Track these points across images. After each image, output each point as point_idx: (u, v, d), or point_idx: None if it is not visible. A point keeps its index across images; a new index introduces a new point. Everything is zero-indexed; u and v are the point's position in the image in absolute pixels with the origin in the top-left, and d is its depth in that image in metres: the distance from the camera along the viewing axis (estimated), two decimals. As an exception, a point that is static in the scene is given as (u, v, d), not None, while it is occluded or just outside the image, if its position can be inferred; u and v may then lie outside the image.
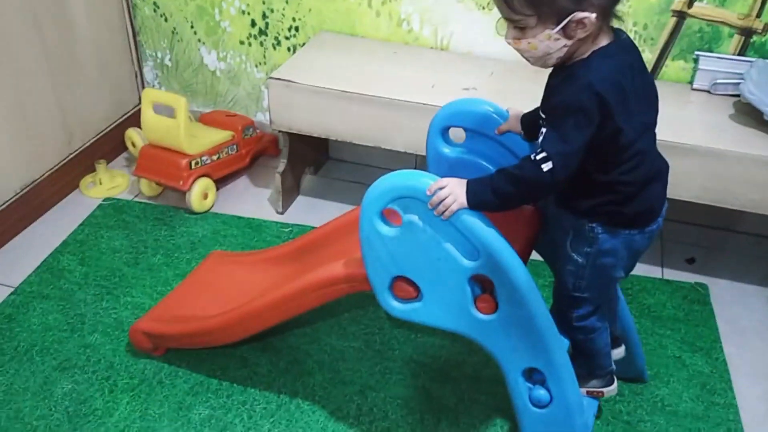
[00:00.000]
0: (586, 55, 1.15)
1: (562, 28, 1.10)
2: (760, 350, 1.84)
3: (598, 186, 1.22)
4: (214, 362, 1.71)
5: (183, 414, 1.59)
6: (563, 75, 1.17)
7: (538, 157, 1.13)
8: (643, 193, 1.23)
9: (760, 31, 2.03)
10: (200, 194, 2.24)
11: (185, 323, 1.65)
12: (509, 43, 1.17)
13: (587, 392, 1.40)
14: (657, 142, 1.26)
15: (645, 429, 1.59)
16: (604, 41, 1.16)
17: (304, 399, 1.64)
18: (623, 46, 1.18)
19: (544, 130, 1.16)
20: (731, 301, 2.00)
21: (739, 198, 1.85)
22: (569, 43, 1.13)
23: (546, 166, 1.12)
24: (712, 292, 2.02)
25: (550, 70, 1.23)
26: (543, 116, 1.21)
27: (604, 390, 1.41)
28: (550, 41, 1.12)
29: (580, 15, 1.09)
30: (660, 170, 1.27)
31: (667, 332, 1.86)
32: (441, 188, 1.17)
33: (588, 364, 1.40)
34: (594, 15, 1.09)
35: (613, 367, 1.43)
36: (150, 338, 1.68)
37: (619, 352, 1.48)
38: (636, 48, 1.21)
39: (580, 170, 1.18)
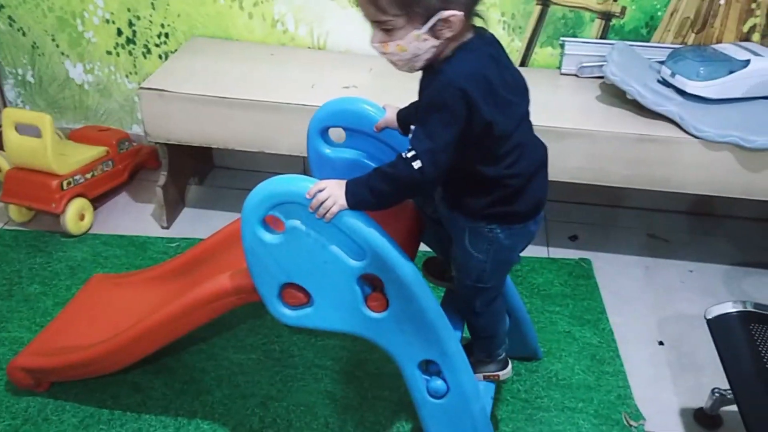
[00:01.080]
0: (449, 53, 1.16)
1: (430, 27, 1.11)
2: (642, 317, 1.94)
3: (486, 183, 1.22)
4: (104, 392, 1.62)
5: (73, 450, 1.50)
6: (431, 74, 1.18)
7: (408, 155, 1.13)
8: (530, 186, 1.24)
9: (618, 14, 2.14)
10: (76, 215, 2.12)
11: (68, 354, 1.55)
12: (376, 47, 1.16)
13: (484, 377, 1.43)
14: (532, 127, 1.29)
15: (542, 404, 1.65)
16: (466, 37, 1.16)
17: (203, 418, 1.58)
18: (485, 40, 1.19)
19: (413, 127, 1.17)
20: (613, 273, 2.10)
21: (611, 175, 1.94)
22: (437, 43, 1.13)
23: (416, 164, 1.12)
24: (595, 266, 2.12)
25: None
26: (416, 115, 1.21)
27: (500, 373, 1.44)
28: (419, 42, 1.12)
29: (446, 13, 1.09)
30: (541, 160, 1.28)
31: (556, 309, 1.94)
32: (320, 191, 1.16)
33: (488, 346, 1.43)
34: (462, 13, 1.10)
35: (507, 344, 1.46)
36: (30, 374, 1.58)
37: (506, 372, 1.47)
38: (498, 42, 1.22)
39: (465, 168, 1.20)
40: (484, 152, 1.19)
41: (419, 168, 1.12)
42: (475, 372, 1.33)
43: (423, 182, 1.14)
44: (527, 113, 1.26)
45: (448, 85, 1.11)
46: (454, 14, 1.09)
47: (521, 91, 1.24)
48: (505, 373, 1.45)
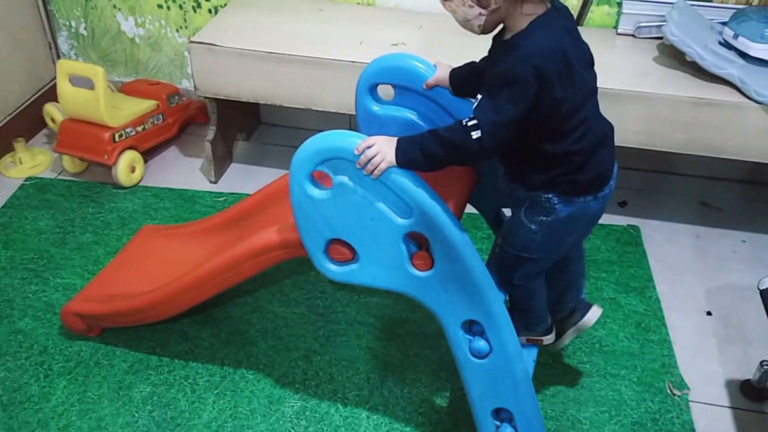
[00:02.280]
0: (524, 26, 1.13)
1: None
2: (690, 286, 1.90)
3: (551, 159, 1.20)
4: (152, 339, 1.67)
5: (124, 393, 1.55)
6: (506, 47, 1.16)
7: (469, 124, 1.12)
8: (592, 159, 1.22)
9: (680, -28, 2.05)
10: (127, 167, 2.16)
11: (119, 301, 1.60)
12: (442, 4, 1.19)
13: (527, 340, 1.43)
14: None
15: (585, 370, 1.64)
16: (539, 9, 1.14)
17: (248, 368, 1.62)
18: (560, 12, 1.17)
19: (479, 96, 1.14)
20: (662, 241, 2.06)
21: (666, 139, 1.89)
22: (484, 12, 1.13)
23: (475, 134, 1.11)
24: (644, 233, 2.07)
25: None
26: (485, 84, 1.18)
27: (543, 338, 1.43)
28: (465, 7, 1.14)
29: None
30: (605, 134, 1.26)
31: (602, 275, 1.91)
32: (369, 147, 1.15)
33: (525, 318, 1.42)
34: None
35: (549, 322, 1.45)
36: (83, 319, 1.63)
37: (550, 338, 1.47)
38: (570, 13, 1.20)
39: (529, 146, 1.18)
40: (550, 129, 1.17)
41: (477, 138, 1.11)
42: (518, 334, 1.33)
43: (478, 153, 1.13)
44: (595, 88, 1.23)
45: (524, 61, 1.09)
46: None
47: (591, 65, 1.23)
48: (549, 339, 1.44)
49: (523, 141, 1.18)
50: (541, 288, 1.40)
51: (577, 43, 1.19)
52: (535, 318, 1.43)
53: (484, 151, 1.13)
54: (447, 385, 1.59)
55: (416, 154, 1.16)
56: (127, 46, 2.50)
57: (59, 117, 2.28)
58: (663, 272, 1.94)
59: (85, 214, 2.07)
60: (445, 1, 1.17)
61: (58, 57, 2.55)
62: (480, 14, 1.14)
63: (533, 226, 1.27)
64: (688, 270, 1.96)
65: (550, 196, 1.24)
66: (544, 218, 1.26)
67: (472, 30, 1.19)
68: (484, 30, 1.18)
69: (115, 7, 2.42)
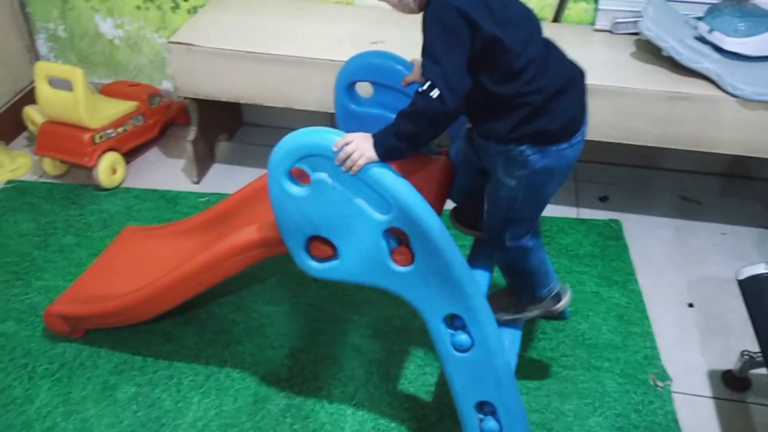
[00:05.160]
0: None
1: None
2: (671, 278, 1.92)
3: (506, 103, 1.21)
4: (136, 339, 1.67)
5: (108, 394, 1.55)
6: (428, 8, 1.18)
7: (424, 88, 1.13)
8: (557, 104, 1.22)
9: (656, -32, 2.07)
10: (108, 169, 2.16)
11: (102, 302, 1.60)
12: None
13: (541, 315, 1.44)
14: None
15: (568, 363, 1.65)
16: None
17: (233, 367, 1.62)
18: None
19: (422, 60, 1.16)
20: (643, 235, 2.08)
21: (644, 134, 1.90)
22: None
23: (433, 93, 1.12)
24: (625, 227, 2.09)
25: None
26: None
27: (554, 307, 1.43)
28: None
29: None
30: (572, 78, 1.25)
31: (584, 269, 1.93)
32: (347, 144, 1.16)
33: (528, 285, 1.42)
34: None
35: (555, 284, 1.44)
36: (66, 321, 1.62)
37: (562, 304, 1.47)
38: None
39: (484, 92, 1.19)
40: (498, 71, 1.18)
41: (438, 96, 1.12)
42: (527, 311, 1.35)
43: (445, 110, 1.14)
44: (537, 35, 1.23)
45: (443, 8, 1.12)
46: None
47: (525, 17, 1.23)
48: (563, 304, 1.44)
49: (477, 88, 1.19)
50: (536, 247, 1.40)
51: None
52: (537, 281, 1.42)
53: (450, 107, 1.14)
54: (431, 380, 1.60)
55: (392, 141, 1.17)
56: (107, 48, 2.49)
57: (39, 120, 2.26)
58: (645, 265, 1.96)
59: (67, 216, 2.06)
60: None
61: (37, 59, 2.53)
62: None
63: (513, 183, 1.28)
64: (669, 263, 1.98)
65: (523, 148, 1.24)
66: (521, 172, 1.26)
67: (411, 11, 1.22)
68: (420, 4, 1.20)
69: (93, 8, 2.41)
